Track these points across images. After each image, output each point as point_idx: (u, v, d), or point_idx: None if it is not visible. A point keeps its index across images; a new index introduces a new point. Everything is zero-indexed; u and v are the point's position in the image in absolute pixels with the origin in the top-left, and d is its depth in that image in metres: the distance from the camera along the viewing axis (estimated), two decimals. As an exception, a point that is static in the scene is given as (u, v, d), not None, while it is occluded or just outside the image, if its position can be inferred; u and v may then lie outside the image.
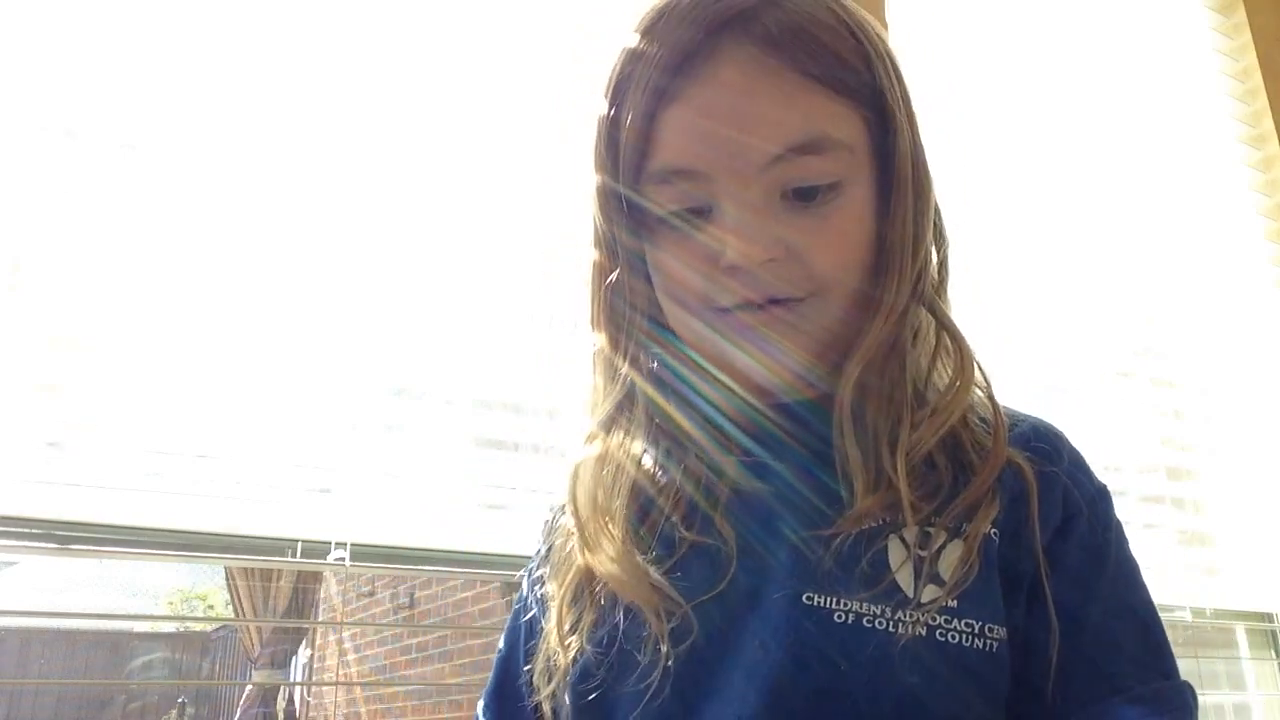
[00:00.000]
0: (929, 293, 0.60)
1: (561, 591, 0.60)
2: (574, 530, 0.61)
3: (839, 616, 0.54)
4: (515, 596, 0.71)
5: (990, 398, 0.60)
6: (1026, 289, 1.55)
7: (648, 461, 0.60)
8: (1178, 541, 1.54)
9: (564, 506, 0.66)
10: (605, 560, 0.57)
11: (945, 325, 0.61)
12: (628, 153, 0.58)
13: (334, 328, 1.01)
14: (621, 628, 0.56)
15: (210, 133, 1.00)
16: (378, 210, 1.05)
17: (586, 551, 0.58)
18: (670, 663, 0.54)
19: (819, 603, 0.54)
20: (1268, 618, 1.58)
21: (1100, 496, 0.62)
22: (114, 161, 0.98)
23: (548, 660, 0.60)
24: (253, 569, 1.00)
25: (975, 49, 1.58)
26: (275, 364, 1.00)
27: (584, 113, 0.67)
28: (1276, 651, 1.59)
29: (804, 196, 0.57)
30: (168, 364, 0.95)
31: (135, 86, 0.98)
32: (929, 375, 0.60)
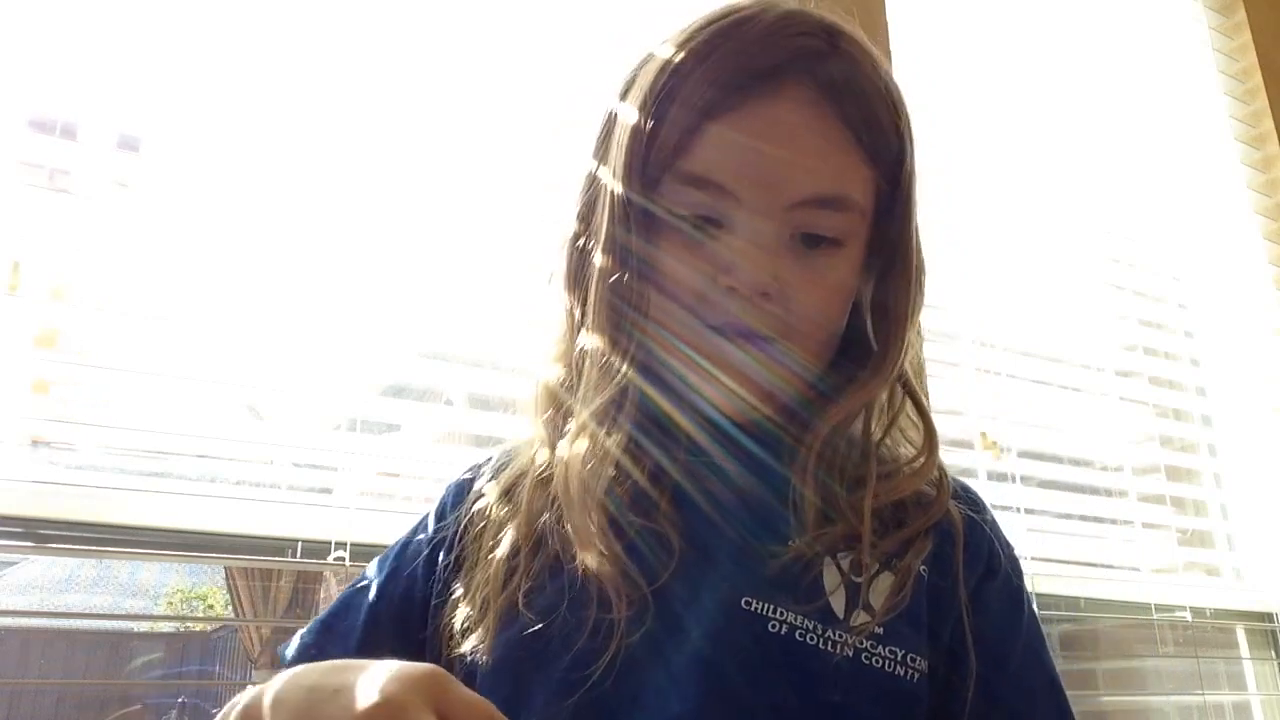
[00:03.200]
0: (906, 369, 0.64)
1: (502, 550, 0.60)
2: (525, 484, 0.61)
3: (773, 626, 0.55)
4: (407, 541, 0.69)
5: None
6: (1027, 289, 1.55)
7: (617, 454, 0.60)
8: (1178, 541, 1.54)
9: (485, 468, 0.67)
10: (587, 541, 0.57)
11: (915, 400, 0.65)
12: (661, 148, 0.59)
13: (334, 328, 1.01)
14: (563, 608, 0.56)
15: (213, 133, 1.00)
16: (379, 211, 1.05)
17: (572, 532, 0.58)
18: (620, 652, 0.54)
19: (756, 609, 0.56)
20: (1268, 618, 1.58)
21: (1016, 558, 0.66)
22: (113, 161, 0.98)
23: (469, 614, 0.59)
24: (253, 569, 1.00)
25: (975, 48, 1.58)
26: (275, 364, 1.00)
27: (584, 115, 0.67)
28: (1276, 651, 1.59)
29: (808, 243, 0.60)
30: (168, 364, 0.95)
31: (136, 86, 0.98)
32: (887, 433, 0.64)
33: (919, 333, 0.67)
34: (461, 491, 0.68)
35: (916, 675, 0.56)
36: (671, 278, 0.60)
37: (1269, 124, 1.77)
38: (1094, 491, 1.52)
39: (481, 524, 0.63)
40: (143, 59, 0.98)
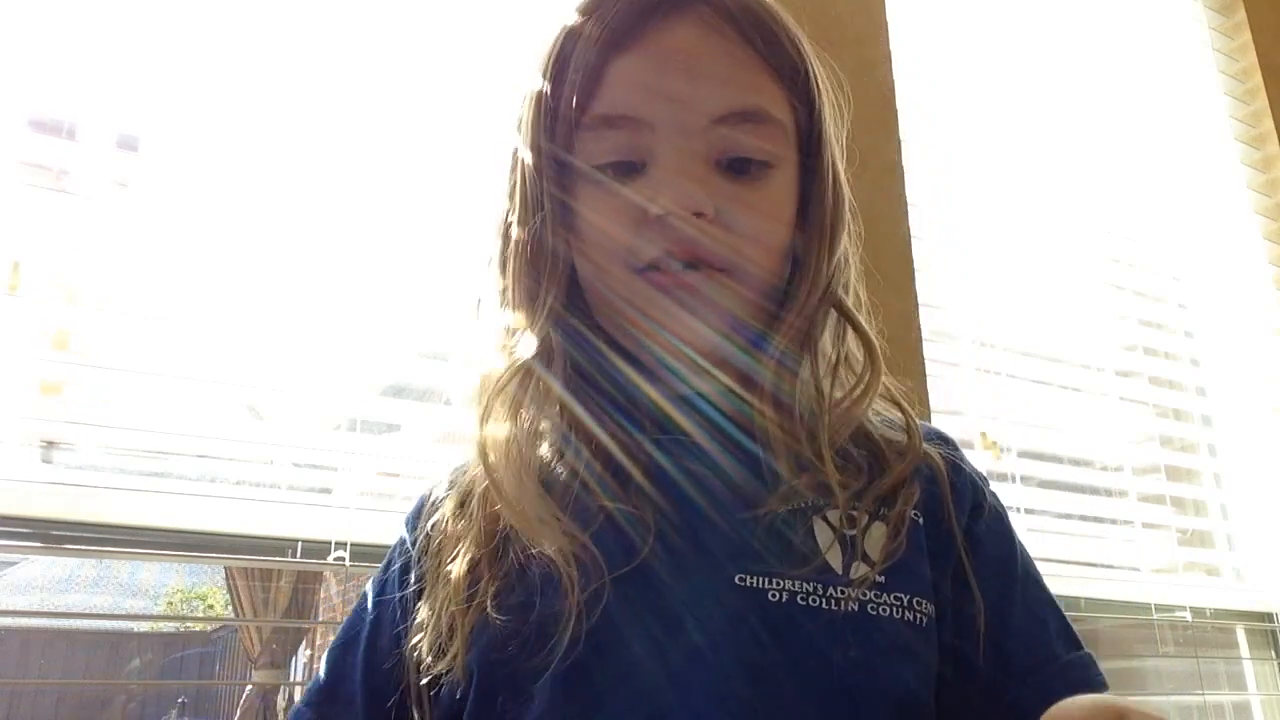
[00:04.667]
0: (839, 292, 0.62)
1: (462, 562, 0.57)
2: (477, 491, 0.59)
3: (773, 596, 0.54)
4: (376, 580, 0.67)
5: (895, 399, 0.63)
6: (1027, 289, 1.55)
7: (560, 433, 0.59)
8: (1178, 541, 1.54)
9: (440, 483, 0.65)
10: (522, 509, 0.55)
11: (853, 323, 0.63)
12: (569, 102, 0.58)
13: (334, 327, 1.01)
14: (537, 602, 0.54)
15: (213, 133, 1.00)
16: (379, 211, 1.05)
17: (502, 504, 0.56)
18: (582, 634, 0.52)
19: (751, 583, 0.54)
20: (1268, 618, 1.58)
21: (988, 486, 0.65)
22: (113, 161, 0.98)
23: (439, 634, 0.57)
24: (253, 569, 1.00)
25: (975, 49, 1.58)
26: (275, 364, 1.00)
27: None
28: (1276, 651, 1.59)
29: (737, 169, 0.59)
30: (168, 364, 0.95)
31: (136, 86, 0.98)
32: (835, 372, 0.62)
33: (849, 261, 0.64)
34: (420, 510, 0.66)
35: (924, 619, 0.55)
36: (597, 231, 0.58)
37: (1269, 124, 1.77)
38: (1094, 491, 1.52)
39: (439, 539, 0.61)
40: (143, 59, 0.98)
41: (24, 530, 0.88)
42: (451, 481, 0.65)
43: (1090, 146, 1.67)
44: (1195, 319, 1.71)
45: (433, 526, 0.63)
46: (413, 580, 0.63)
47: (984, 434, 1.39)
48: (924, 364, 1.25)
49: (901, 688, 0.53)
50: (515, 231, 0.61)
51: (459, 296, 1.09)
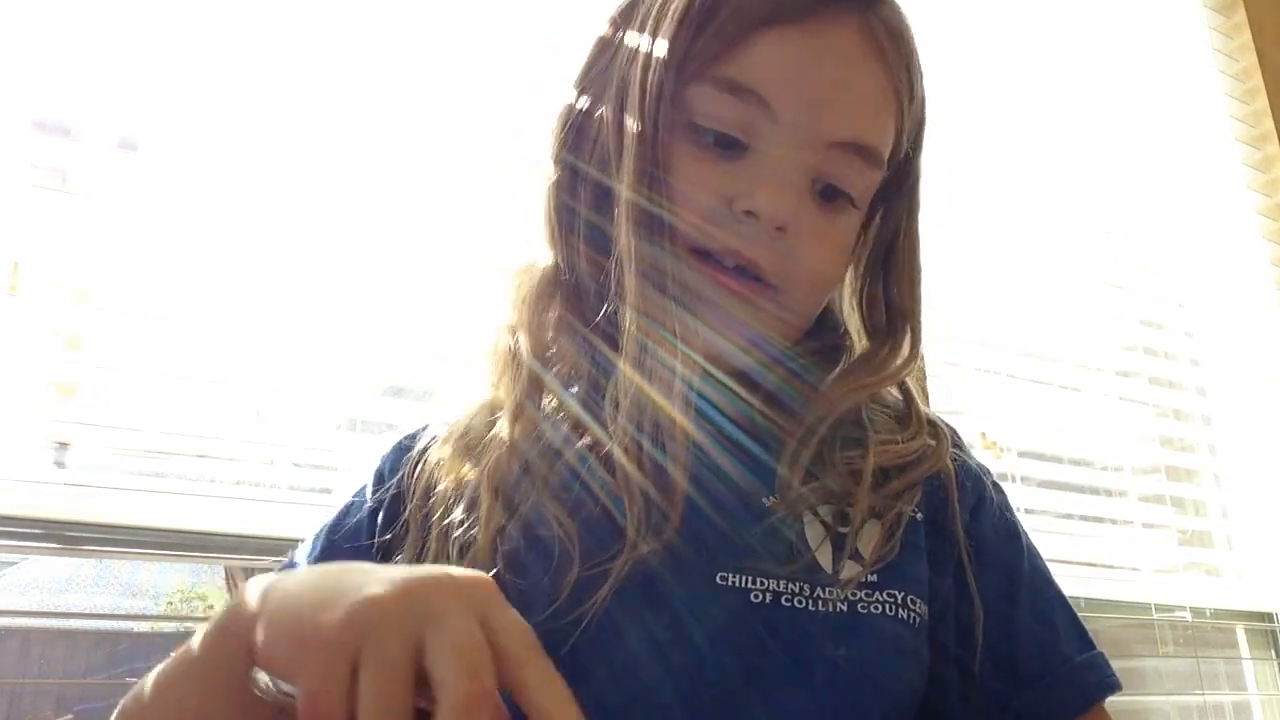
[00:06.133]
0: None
1: (482, 513, 0.55)
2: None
3: (755, 596, 0.52)
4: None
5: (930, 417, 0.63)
6: (1027, 289, 1.55)
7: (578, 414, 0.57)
8: (1178, 541, 1.54)
9: (425, 434, 0.64)
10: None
11: (909, 399, 0.63)
12: (697, 56, 0.53)
13: (334, 328, 1.01)
14: (547, 573, 0.52)
15: (212, 133, 1.00)
16: (380, 211, 1.05)
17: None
18: (577, 614, 0.50)
19: (734, 583, 0.52)
20: (1268, 618, 1.58)
21: (989, 477, 0.64)
22: (114, 161, 0.98)
23: (447, 543, 0.55)
24: (252, 569, 1.00)
25: (975, 48, 1.57)
26: (275, 364, 1.00)
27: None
28: (1276, 651, 1.59)
29: (826, 196, 0.57)
30: (167, 364, 0.95)
31: (135, 86, 0.98)
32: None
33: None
34: (401, 455, 0.64)
35: (918, 619, 0.54)
36: (678, 197, 0.54)
37: (1269, 124, 1.77)
38: (1094, 491, 1.52)
39: (442, 488, 0.59)
40: (143, 59, 0.98)
41: (25, 530, 0.88)
42: (450, 431, 0.63)
43: (1090, 146, 1.67)
44: (1195, 319, 1.71)
45: (429, 472, 0.60)
46: (380, 523, 0.61)
47: (984, 434, 1.39)
48: (924, 364, 1.25)
49: (893, 686, 0.52)
50: (625, 193, 0.54)
51: (459, 298, 1.09)
